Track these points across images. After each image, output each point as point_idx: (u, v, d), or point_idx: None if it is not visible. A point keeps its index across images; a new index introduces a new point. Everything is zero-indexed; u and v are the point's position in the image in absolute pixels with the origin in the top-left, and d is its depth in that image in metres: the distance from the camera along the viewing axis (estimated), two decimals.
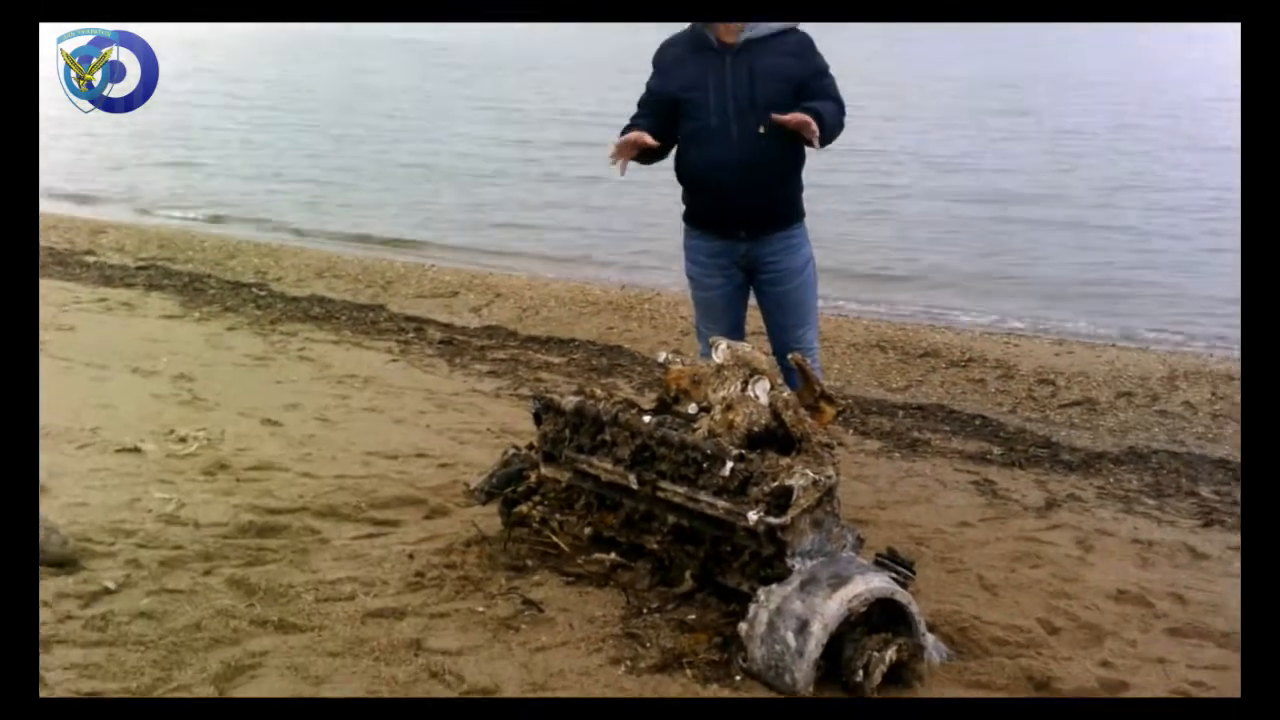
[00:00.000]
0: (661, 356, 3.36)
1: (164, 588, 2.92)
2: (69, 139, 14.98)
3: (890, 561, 2.89)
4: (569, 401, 3.27)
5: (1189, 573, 3.64)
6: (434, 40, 38.49)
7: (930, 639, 2.75)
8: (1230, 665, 2.87)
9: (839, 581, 2.57)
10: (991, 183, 13.71)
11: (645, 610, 2.88)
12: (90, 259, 8.82)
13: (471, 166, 15.15)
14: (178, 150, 16.17)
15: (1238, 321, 5.77)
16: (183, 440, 4.17)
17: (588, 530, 3.18)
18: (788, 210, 3.81)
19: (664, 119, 3.74)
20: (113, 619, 2.72)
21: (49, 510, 3.19)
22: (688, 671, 2.62)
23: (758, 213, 3.74)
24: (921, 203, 12.66)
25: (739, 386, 3.00)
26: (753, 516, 2.66)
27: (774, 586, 2.62)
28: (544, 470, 3.32)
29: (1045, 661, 2.83)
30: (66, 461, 3.80)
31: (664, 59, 3.82)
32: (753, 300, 3.95)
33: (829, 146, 3.66)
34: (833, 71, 3.75)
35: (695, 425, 3.02)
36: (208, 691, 2.45)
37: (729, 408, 2.96)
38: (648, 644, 2.73)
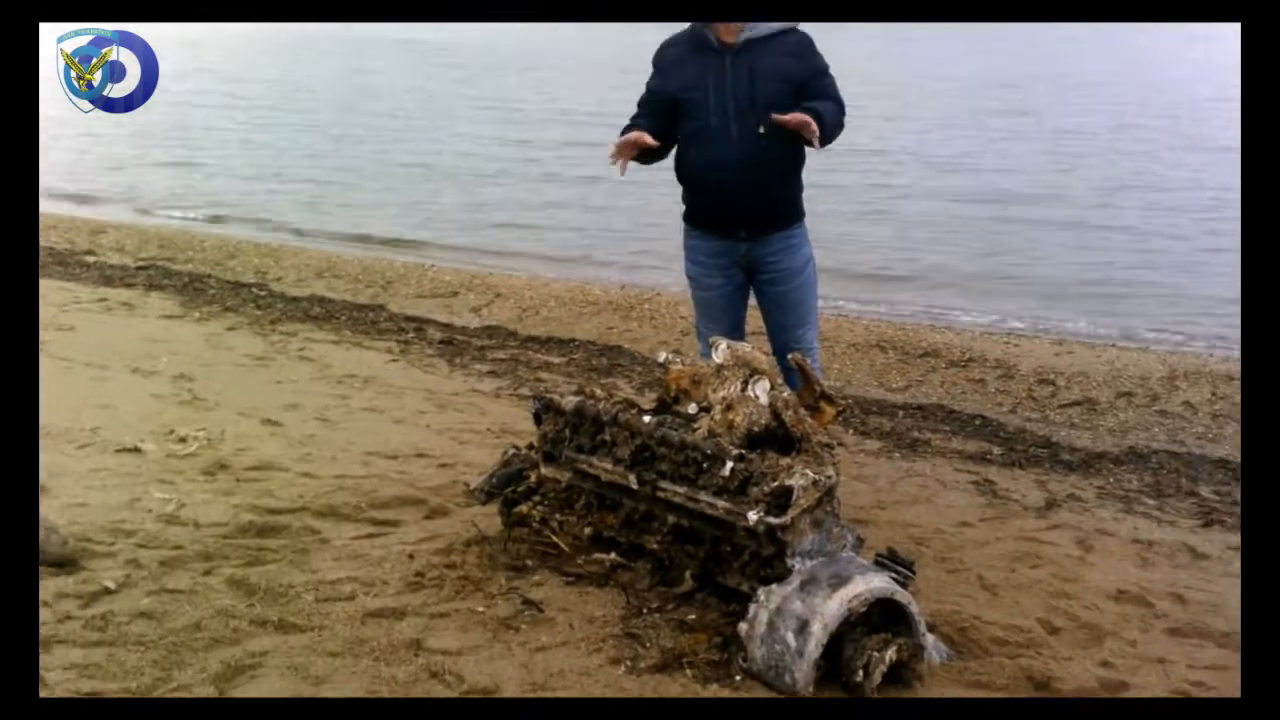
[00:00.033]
0: (661, 356, 3.36)
1: (164, 588, 2.92)
2: (69, 139, 14.97)
3: (890, 561, 2.89)
4: (569, 401, 3.27)
5: (1189, 573, 3.64)
6: (434, 40, 38.47)
7: (930, 639, 2.75)
8: (1230, 665, 2.87)
9: (839, 581, 2.57)
10: (991, 183, 13.70)
11: (645, 610, 2.88)
12: (90, 259, 8.82)
13: (471, 166, 15.14)
14: (178, 150, 16.16)
15: (1238, 321, 5.76)
16: (183, 440, 4.17)
17: (588, 530, 3.18)
18: (788, 210, 3.81)
19: (664, 119, 3.74)
20: (113, 619, 2.72)
21: (49, 510, 3.19)
22: (688, 671, 2.62)
23: (758, 213, 3.74)
24: (921, 203, 12.66)
25: (739, 386, 3.00)
26: (753, 516, 2.66)
27: (774, 586, 2.62)
28: (544, 470, 3.32)
29: (1045, 661, 2.83)
30: (66, 461, 3.80)
31: (664, 59, 3.82)
32: (753, 300, 3.95)
33: (829, 146, 3.66)
34: (833, 71, 3.75)
35: (695, 425, 3.02)
36: (208, 691, 2.45)
37: (729, 408, 2.96)
38: (648, 644, 2.73)
